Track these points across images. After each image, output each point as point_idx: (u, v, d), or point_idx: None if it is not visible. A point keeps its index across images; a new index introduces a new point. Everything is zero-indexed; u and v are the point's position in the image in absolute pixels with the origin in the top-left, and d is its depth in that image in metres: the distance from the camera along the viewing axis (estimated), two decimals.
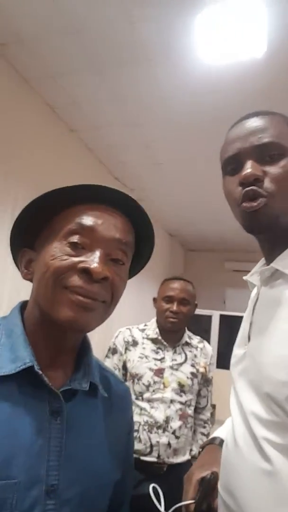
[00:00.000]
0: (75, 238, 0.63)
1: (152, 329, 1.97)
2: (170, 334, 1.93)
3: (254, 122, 0.86)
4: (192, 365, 1.95)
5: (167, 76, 2.49)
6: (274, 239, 0.85)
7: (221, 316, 6.43)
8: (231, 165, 0.88)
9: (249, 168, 0.81)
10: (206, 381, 2.03)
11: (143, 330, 1.99)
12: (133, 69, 2.45)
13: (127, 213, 0.69)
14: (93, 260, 0.61)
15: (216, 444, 1.03)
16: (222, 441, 1.01)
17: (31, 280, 0.68)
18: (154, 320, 2.02)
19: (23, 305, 0.72)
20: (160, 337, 1.93)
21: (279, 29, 2.01)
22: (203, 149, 3.37)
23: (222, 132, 0.97)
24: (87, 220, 0.64)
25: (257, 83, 2.43)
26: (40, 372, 0.61)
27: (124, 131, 3.24)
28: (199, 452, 1.07)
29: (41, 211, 0.67)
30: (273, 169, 0.81)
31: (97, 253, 0.62)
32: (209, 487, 0.89)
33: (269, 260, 0.87)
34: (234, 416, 0.86)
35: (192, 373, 1.92)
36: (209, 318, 6.45)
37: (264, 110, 0.90)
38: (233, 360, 0.94)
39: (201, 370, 1.98)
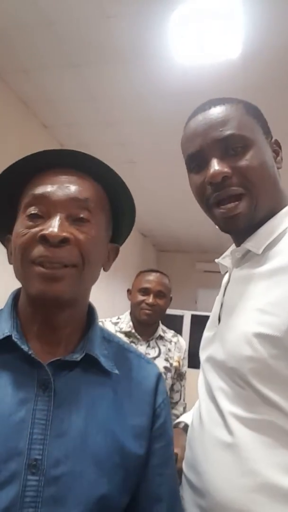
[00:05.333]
0: (32, 210, 0.62)
1: (126, 322, 1.96)
2: (144, 327, 1.92)
3: (213, 114, 0.81)
4: (166, 359, 1.95)
5: (141, 75, 2.49)
6: (245, 229, 0.86)
7: (193, 316, 6.47)
8: (195, 161, 0.84)
9: (214, 166, 0.78)
10: (179, 375, 2.04)
11: (116, 323, 1.98)
12: (107, 66, 2.44)
13: (93, 176, 0.68)
14: (50, 225, 0.60)
15: (180, 428, 1.04)
16: (186, 426, 1.02)
17: None
18: (127, 313, 2.00)
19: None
20: (133, 330, 1.92)
21: (255, 29, 2.05)
22: (178, 150, 3.39)
23: None
24: (38, 188, 0.63)
25: (233, 83, 2.46)
26: (16, 341, 0.60)
27: (97, 129, 3.23)
28: None
29: (8, 194, 0.68)
30: (239, 163, 0.78)
31: (55, 218, 0.61)
32: None
33: (238, 244, 0.88)
34: (201, 395, 0.87)
35: (165, 368, 1.92)
36: (180, 318, 6.48)
37: (221, 97, 0.84)
38: (202, 343, 0.94)
39: (175, 364, 1.99)
